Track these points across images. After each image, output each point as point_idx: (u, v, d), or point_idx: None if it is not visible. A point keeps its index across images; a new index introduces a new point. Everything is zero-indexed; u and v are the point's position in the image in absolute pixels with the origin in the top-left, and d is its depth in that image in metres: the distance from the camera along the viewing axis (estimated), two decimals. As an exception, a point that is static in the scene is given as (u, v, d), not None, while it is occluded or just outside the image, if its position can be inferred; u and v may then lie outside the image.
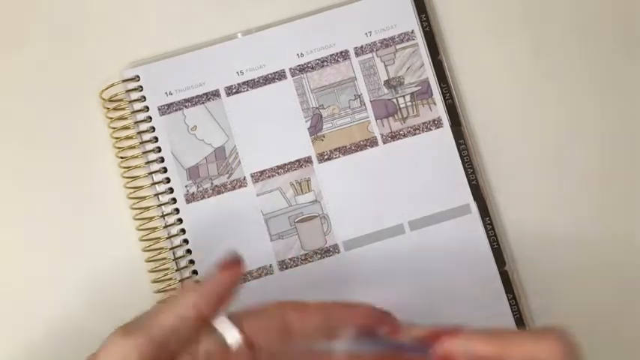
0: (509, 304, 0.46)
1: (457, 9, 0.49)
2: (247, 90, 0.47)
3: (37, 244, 0.47)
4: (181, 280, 0.46)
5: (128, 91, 0.47)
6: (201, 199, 0.47)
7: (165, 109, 0.47)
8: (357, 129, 0.47)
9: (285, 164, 0.47)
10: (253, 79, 0.47)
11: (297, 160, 0.47)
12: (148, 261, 0.46)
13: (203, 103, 0.47)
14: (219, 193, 0.47)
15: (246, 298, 0.45)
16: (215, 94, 0.47)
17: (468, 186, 0.47)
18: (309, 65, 0.47)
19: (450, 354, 0.31)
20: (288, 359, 0.33)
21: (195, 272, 0.46)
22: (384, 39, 0.48)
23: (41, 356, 0.47)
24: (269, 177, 0.47)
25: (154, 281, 0.46)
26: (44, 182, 0.48)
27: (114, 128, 0.47)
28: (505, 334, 0.32)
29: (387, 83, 0.47)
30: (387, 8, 0.48)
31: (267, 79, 0.48)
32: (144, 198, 0.47)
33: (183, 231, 0.47)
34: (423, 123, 0.47)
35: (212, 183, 0.47)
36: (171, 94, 0.47)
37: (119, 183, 0.47)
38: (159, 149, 0.47)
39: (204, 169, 0.47)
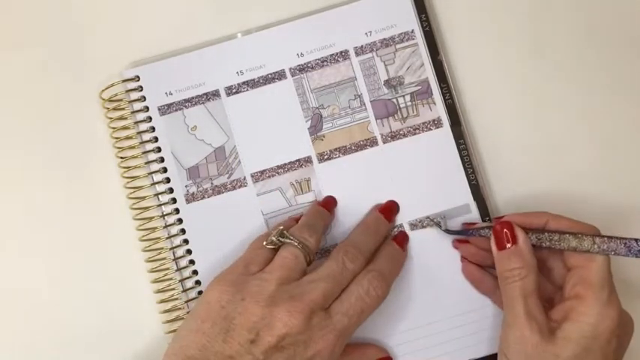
0: (510, 303, 0.46)
1: (457, 9, 0.49)
2: (247, 90, 0.47)
3: (36, 244, 0.47)
4: (181, 281, 0.46)
5: (128, 91, 0.47)
6: (201, 199, 0.47)
7: (165, 109, 0.47)
8: (357, 129, 0.47)
9: (285, 164, 0.47)
10: (253, 79, 0.47)
11: (297, 160, 0.47)
12: (148, 261, 0.46)
13: (203, 103, 0.47)
14: (219, 193, 0.47)
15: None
16: (215, 94, 0.47)
17: (467, 186, 0.47)
18: (309, 65, 0.47)
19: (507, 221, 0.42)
20: None
21: (195, 272, 0.46)
22: (384, 39, 0.48)
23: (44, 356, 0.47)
24: (269, 177, 0.47)
25: (154, 281, 0.46)
26: (44, 182, 0.48)
27: (114, 128, 0.47)
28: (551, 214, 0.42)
29: (387, 83, 0.47)
30: (387, 8, 0.48)
31: (267, 79, 0.47)
32: (144, 198, 0.47)
33: (183, 231, 0.46)
34: (423, 123, 0.47)
35: (212, 183, 0.47)
36: (171, 94, 0.47)
37: (119, 183, 0.47)
38: (159, 149, 0.47)
39: (204, 169, 0.47)
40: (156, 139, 0.47)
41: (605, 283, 0.39)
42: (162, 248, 0.46)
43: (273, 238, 0.41)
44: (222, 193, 0.47)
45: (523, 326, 0.39)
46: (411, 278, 0.46)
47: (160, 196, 0.47)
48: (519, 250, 0.40)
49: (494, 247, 0.42)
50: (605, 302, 0.38)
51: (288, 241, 0.41)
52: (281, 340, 0.37)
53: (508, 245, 0.41)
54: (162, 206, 0.47)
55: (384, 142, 0.47)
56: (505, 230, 0.41)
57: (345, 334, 0.39)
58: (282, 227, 0.42)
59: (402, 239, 0.46)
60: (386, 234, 0.46)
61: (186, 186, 0.47)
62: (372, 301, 0.40)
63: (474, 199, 0.47)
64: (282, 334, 0.37)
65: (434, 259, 0.46)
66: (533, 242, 0.41)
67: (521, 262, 0.40)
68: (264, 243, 0.42)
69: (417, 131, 0.47)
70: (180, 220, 0.47)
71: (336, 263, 0.40)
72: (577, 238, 0.40)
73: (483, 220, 0.46)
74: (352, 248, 0.42)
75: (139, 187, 0.47)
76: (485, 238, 0.43)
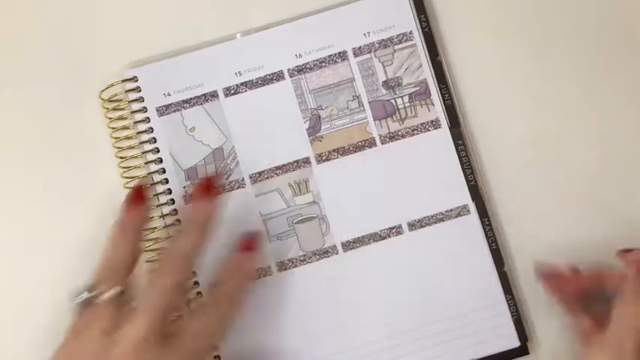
0: (508, 304, 0.46)
1: (456, 9, 0.48)
2: (246, 91, 0.47)
3: (35, 245, 0.47)
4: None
5: (127, 91, 0.48)
6: (200, 199, 0.47)
7: (164, 110, 0.47)
8: (356, 130, 0.47)
9: (283, 165, 0.47)
10: (252, 80, 0.47)
11: (295, 161, 0.47)
12: (147, 261, 0.46)
13: (201, 104, 0.47)
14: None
15: (245, 299, 0.46)
16: (213, 95, 0.47)
17: (466, 186, 0.47)
18: (308, 66, 0.47)
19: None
20: None
21: (194, 272, 0.46)
22: (383, 39, 0.47)
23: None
24: (267, 178, 0.47)
25: (153, 281, 0.46)
26: (43, 182, 0.48)
27: (113, 128, 0.47)
28: None
29: (386, 84, 0.47)
30: (386, 9, 0.47)
31: (266, 80, 0.47)
32: (143, 198, 0.47)
33: (182, 232, 0.47)
34: (422, 124, 0.47)
35: (211, 184, 0.47)
36: (169, 95, 0.47)
37: (119, 183, 0.47)
38: (157, 150, 0.47)
39: (202, 170, 0.47)
40: (154, 140, 0.47)
41: None
42: (161, 248, 0.47)
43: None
44: (221, 194, 0.47)
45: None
46: (408, 279, 0.46)
47: (158, 196, 0.47)
48: None
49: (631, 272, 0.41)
50: None
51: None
52: None
53: None
54: (162, 206, 0.47)
55: (382, 143, 0.47)
56: None
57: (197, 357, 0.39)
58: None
59: (249, 245, 0.43)
60: (205, 218, 0.41)
61: (184, 187, 0.47)
62: (213, 329, 0.40)
63: (473, 200, 0.47)
64: None
65: (431, 259, 0.46)
66: None
67: None
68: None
69: (416, 132, 0.47)
70: (179, 221, 0.47)
71: (151, 290, 0.39)
72: None
73: (482, 221, 0.46)
74: (170, 259, 0.40)
75: (138, 188, 0.47)
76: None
